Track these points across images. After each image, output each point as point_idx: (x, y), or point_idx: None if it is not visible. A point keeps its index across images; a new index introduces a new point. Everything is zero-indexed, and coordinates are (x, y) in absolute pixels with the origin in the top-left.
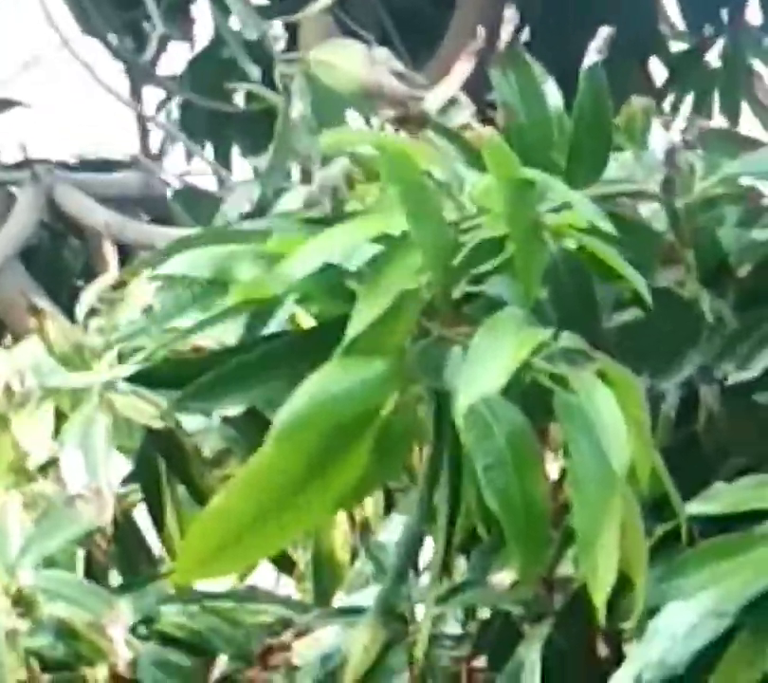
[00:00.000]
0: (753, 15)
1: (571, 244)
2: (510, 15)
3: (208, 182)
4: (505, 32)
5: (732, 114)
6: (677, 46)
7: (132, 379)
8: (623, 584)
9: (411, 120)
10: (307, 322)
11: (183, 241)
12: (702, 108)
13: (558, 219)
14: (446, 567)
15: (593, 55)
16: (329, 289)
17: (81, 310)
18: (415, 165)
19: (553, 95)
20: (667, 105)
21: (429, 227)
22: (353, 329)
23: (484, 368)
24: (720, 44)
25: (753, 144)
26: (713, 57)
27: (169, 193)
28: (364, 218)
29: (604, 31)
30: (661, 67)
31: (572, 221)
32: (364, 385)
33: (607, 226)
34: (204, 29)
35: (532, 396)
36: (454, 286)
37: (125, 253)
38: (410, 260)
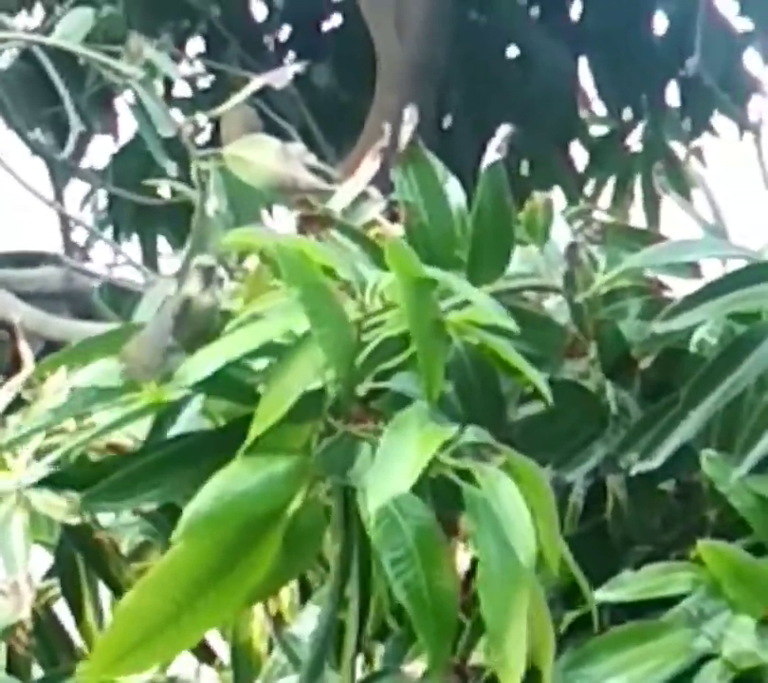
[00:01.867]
0: (672, 99)
1: (474, 340)
2: (410, 114)
3: (136, 275)
4: (406, 131)
5: (652, 197)
6: (598, 131)
7: (45, 483)
8: (533, 672)
9: (316, 220)
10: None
11: (90, 343)
12: (623, 192)
13: (461, 316)
14: (364, 658)
15: (492, 153)
16: (233, 389)
17: None
18: (315, 266)
19: (455, 193)
20: (589, 190)
21: (331, 326)
22: (256, 428)
23: (392, 468)
24: (640, 127)
25: (654, 238)
26: (634, 141)
27: (95, 288)
28: (268, 318)
29: (504, 130)
30: (582, 151)
31: (473, 318)
32: (270, 482)
33: (508, 323)
34: (129, 122)
35: (441, 488)
36: (359, 383)
37: (51, 349)
38: (313, 358)
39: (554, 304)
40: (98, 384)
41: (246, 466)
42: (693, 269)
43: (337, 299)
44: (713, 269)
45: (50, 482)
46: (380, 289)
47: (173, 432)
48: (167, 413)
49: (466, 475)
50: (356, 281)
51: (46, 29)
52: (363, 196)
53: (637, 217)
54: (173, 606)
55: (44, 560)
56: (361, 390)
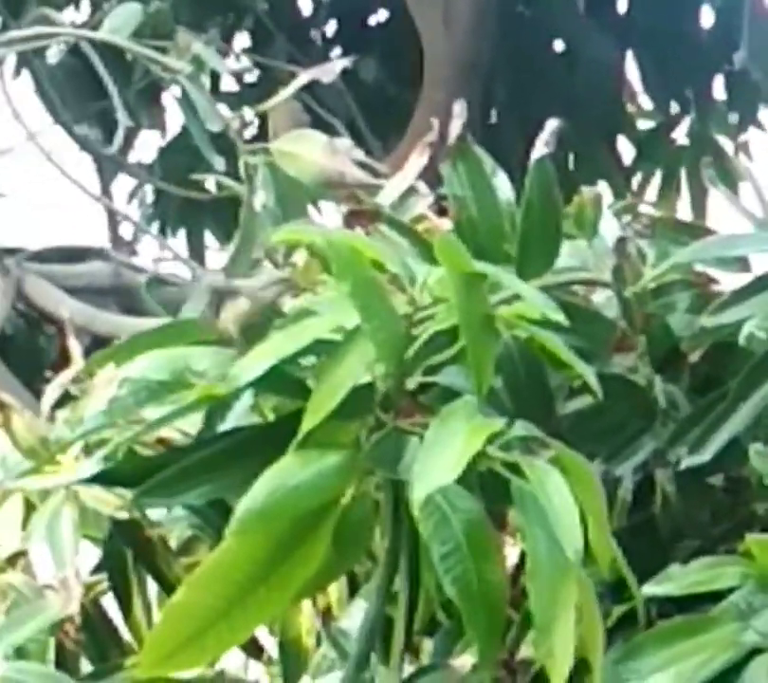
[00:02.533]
0: (718, 92)
1: (523, 334)
2: (460, 109)
3: (183, 269)
4: (455, 126)
5: (699, 191)
6: (644, 125)
7: (95, 479)
8: (582, 666)
9: (364, 214)
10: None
11: (140, 338)
12: (669, 185)
13: (510, 310)
14: (411, 651)
15: (540, 148)
16: (283, 384)
17: (46, 403)
18: (365, 260)
19: (503, 188)
20: (635, 184)
21: (381, 320)
22: (307, 423)
23: (438, 460)
24: (686, 121)
25: (702, 231)
26: (680, 134)
27: (142, 282)
28: (319, 313)
29: (552, 124)
30: (629, 146)
31: (523, 312)
32: (321, 477)
33: (558, 316)
34: (176, 117)
35: (490, 482)
36: (409, 377)
37: (99, 343)
38: (363, 353)
39: (602, 299)
40: (148, 377)
41: (297, 461)
42: (742, 264)
43: (386, 293)
44: (762, 263)
45: (101, 479)
46: (430, 284)
47: (223, 427)
48: (218, 408)
49: (514, 469)
50: (406, 275)
51: (94, 24)
52: (411, 191)
53: (683, 212)
54: (224, 603)
55: (92, 554)
56: (410, 384)
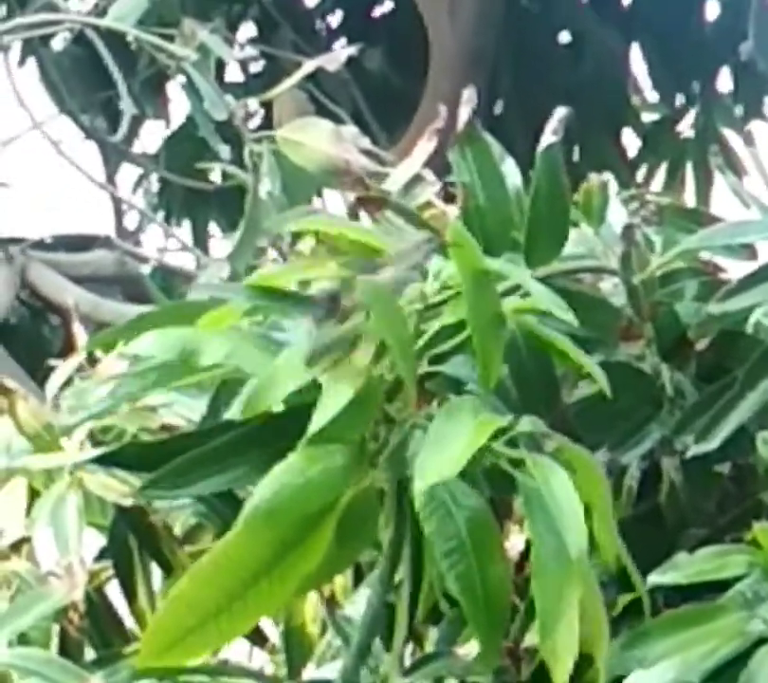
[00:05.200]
0: (724, 84)
1: (530, 326)
2: (469, 96)
3: (187, 258)
4: (464, 112)
5: (704, 183)
6: (649, 117)
7: (100, 461)
8: (586, 659)
9: (372, 201)
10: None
11: (146, 318)
12: (674, 178)
13: (518, 305)
14: (416, 639)
15: (548, 136)
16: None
17: (50, 389)
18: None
19: (512, 175)
20: (640, 176)
21: (388, 319)
22: (317, 421)
23: (442, 454)
24: (692, 114)
25: (710, 219)
26: (685, 127)
27: (146, 271)
28: None
29: (560, 112)
30: (634, 138)
31: (532, 306)
32: (328, 475)
33: (566, 315)
34: (180, 107)
35: (496, 476)
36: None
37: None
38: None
39: (609, 286)
40: (155, 355)
41: (304, 458)
42: (749, 251)
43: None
44: None
45: (105, 460)
46: (442, 279)
47: (228, 414)
48: (224, 395)
49: (519, 465)
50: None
51: (100, 12)
52: (417, 178)
53: (688, 204)
54: (225, 596)
55: (96, 542)
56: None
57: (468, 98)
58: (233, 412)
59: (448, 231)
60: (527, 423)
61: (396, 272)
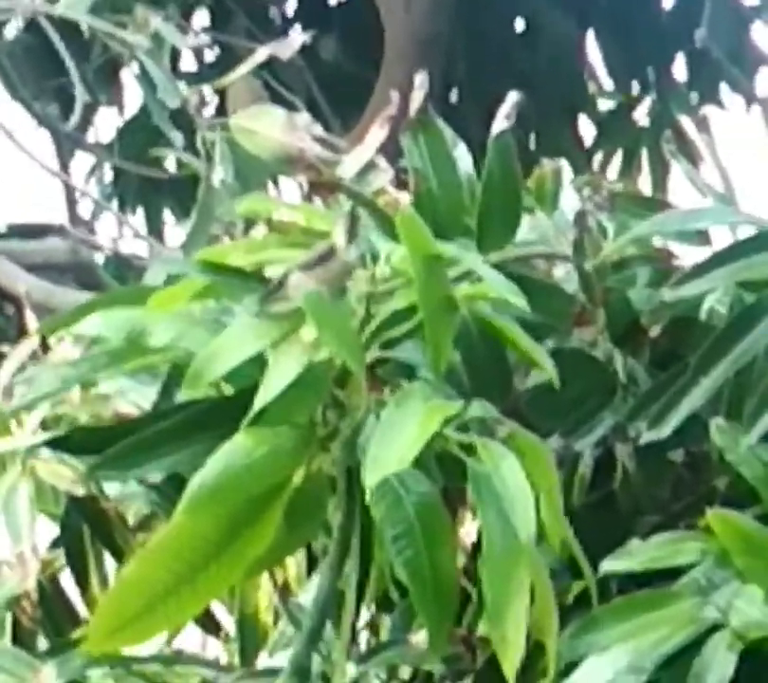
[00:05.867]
0: (679, 72)
1: (482, 312)
2: (421, 81)
3: (141, 247)
4: (416, 98)
5: (659, 170)
6: (605, 105)
7: (51, 445)
8: (540, 641)
9: (324, 185)
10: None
11: (97, 301)
12: (630, 165)
13: (470, 291)
14: (371, 628)
15: (500, 121)
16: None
17: (3, 376)
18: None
19: (464, 160)
20: (596, 164)
21: (333, 331)
22: (260, 400)
23: (393, 444)
24: (647, 101)
25: (663, 205)
26: (641, 114)
27: (100, 260)
28: None
29: (512, 97)
30: (590, 125)
31: (483, 293)
32: (275, 456)
33: (519, 301)
34: (135, 95)
35: (448, 461)
36: (366, 352)
37: None
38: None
39: (562, 273)
40: (102, 335)
41: (250, 438)
42: (702, 237)
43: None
44: (722, 238)
45: (55, 444)
46: (394, 263)
47: (180, 398)
48: (174, 379)
49: (470, 450)
50: (369, 252)
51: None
52: (371, 165)
53: (644, 192)
54: (174, 578)
55: (49, 530)
56: (367, 358)
57: (420, 83)
58: (184, 396)
59: (398, 215)
60: (478, 408)
61: (345, 257)
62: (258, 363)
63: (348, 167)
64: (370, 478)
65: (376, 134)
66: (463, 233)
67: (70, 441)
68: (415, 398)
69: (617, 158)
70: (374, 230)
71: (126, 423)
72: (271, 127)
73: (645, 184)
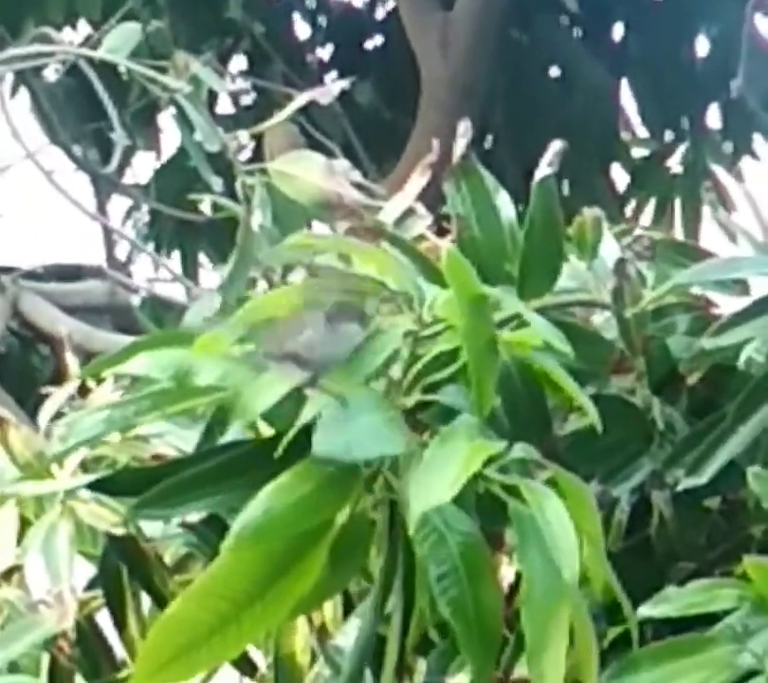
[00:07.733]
0: (713, 120)
1: (524, 356)
2: (464, 129)
3: (177, 290)
4: (459, 145)
5: (692, 219)
6: (639, 153)
7: (92, 487)
8: None
9: (366, 231)
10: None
11: (141, 343)
12: (663, 213)
13: (515, 336)
14: (406, 671)
15: (544, 168)
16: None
17: (43, 418)
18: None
19: (506, 207)
20: (629, 211)
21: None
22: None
23: (436, 479)
24: (681, 149)
25: (702, 254)
26: (674, 162)
27: (136, 302)
28: None
29: (556, 145)
30: (623, 173)
31: (528, 339)
32: (318, 496)
33: (564, 347)
34: (171, 138)
35: (487, 503)
36: (408, 396)
37: None
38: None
39: (602, 320)
40: (149, 375)
41: (295, 478)
42: (741, 287)
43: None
44: (761, 287)
45: (97, 487)
46: (439, 304)
47: (223, 440)
48: (217, 421)
49: (512, 491)
50: (415, 294)
51: (93, 44)
52: (409, 212)
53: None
54: (218, 618)
55: (87, 571)
56: (410, 402)
57: (463, 131)
58: (227, 438)
59: (444, 257)
60: (520, 450)
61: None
62: (297, 402)
63: (388, 213)
64: (414, 509)
65: (416, 181)
66: (504, 280)
67: (112, 483)
68: (459, 438)
69: (650, 206)
70: (418, 274)
71: (168, 464)
72: (310, 172)
73: (677, 232)
